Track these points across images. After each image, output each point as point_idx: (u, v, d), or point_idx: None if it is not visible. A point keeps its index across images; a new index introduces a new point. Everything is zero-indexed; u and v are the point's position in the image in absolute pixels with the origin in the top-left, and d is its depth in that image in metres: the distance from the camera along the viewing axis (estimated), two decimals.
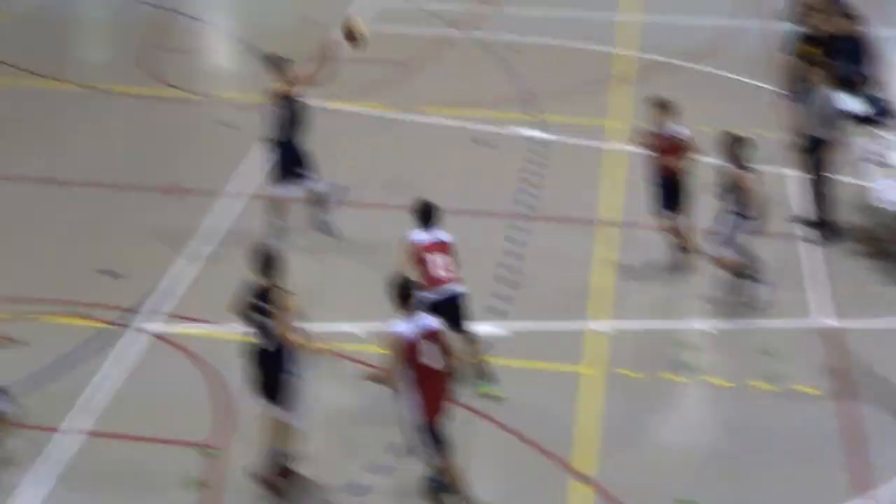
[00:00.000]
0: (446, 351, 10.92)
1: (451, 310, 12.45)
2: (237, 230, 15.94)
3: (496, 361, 13.28)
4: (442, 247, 12.74)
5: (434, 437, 10.99)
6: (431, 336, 10.84)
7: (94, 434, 12.28)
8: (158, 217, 16.40)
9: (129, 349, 13.59)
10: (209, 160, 18.11)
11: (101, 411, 12.60)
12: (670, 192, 14.85)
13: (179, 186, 17.13)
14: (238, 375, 12.52)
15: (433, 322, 10.92)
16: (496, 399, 12.89)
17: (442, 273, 12.58)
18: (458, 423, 12.28)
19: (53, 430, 12.26)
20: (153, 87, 20.53)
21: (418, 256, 12.63)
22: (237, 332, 13.38)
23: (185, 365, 13.40)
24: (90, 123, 19.39)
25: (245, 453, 11.86)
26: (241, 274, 14.79)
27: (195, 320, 14.10)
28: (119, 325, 13.98)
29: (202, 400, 12.81)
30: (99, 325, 13.99)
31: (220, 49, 23.54)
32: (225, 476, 11.68)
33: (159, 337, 13.84)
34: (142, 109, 19.87)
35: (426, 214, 12.84)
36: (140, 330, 13.94)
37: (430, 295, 12.34)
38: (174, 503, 11.38)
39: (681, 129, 14.68)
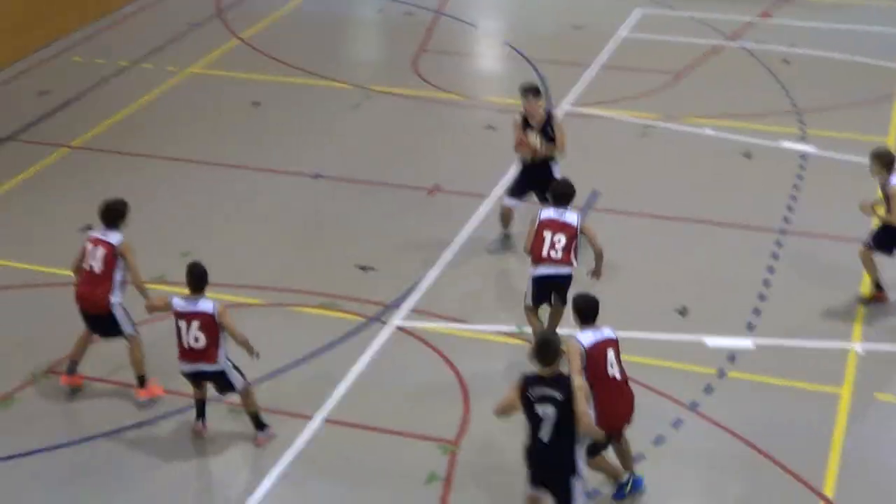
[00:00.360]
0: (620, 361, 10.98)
1: (552, 288, 13.12)
2: (493, 234, 16.04)
3: (744, 376, 13.07)
4: (563, 227, 13.02)
5: (602, 445, 10.99)
6: (611, 345, 10.87)
7: (340, 423, 12.57)
8: (420, 216, 16.61)
9: (378, 343, 13.83)
10: (473, 162, 18.20)
11: (347, 402, 12.89)
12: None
13: (442, 187, 17.32)
14: (478, 374, 12.70)
15: (611, 332, 10.96)
16: None
17: (552, 253, 12.98)
18: (697, 435, 12.18)
19: (303, 417, 12.62)
20: (422, 89, 20.80)
21: (538, 231, 13.07)
22: (482, 331, 13.57)
23: (429, 361, 13.56)
24: (360, 122, 19.78)
25: (480, 451, 12.00)
26: (492, 276, 14.96)
27: (444, 318, 14.24)
28: (370, 319, 14.25)
29: (444, 396, 12.96)
30: (351, 317, 14.29)
31: (487, 53, 23.65)
32: (458, 472, 11.78)
33: (407, 332, 14.03)
34: (410, 109, 20.16)
35: (561, 194, 13.24)
36: (390, 325, 14.17)
37: (537, 270, 13.10)
38: (417, 497, 11.54)
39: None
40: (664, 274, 15.01)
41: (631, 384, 11.05)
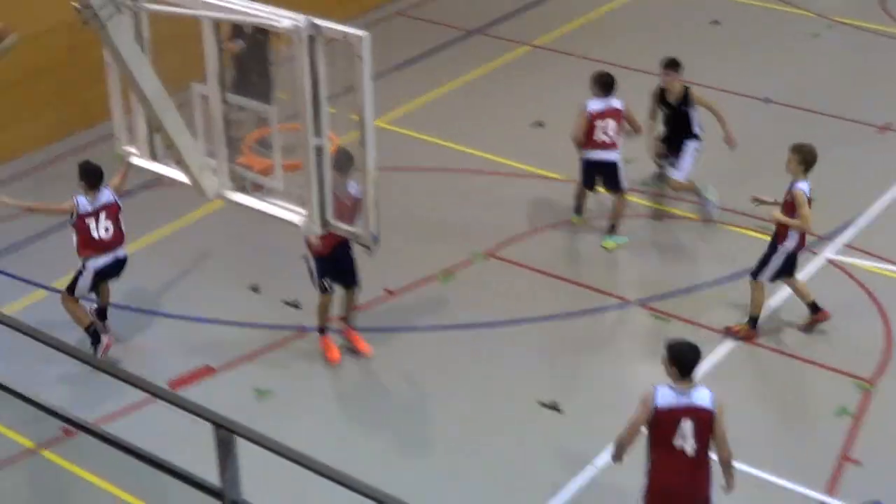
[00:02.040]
0: (705, 437, 9.08)
1: (605, 171, 14.11)
2: None
3: None
4: (614, 114, 13.99)
5: None
6: (696, 414, 9.04)
7: (756, 344, 12.67)
8: (867, 152, 16.17)
9: (807, 273, 13.64)
10: None
11: (767, 326, 12.86)
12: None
13: (894, 126, 16.81)
14: None
15: (705, 399, 9.09)
16: (613, 249, 14.15)
17: (605, 138, 13.96)
18: None
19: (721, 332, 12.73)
20: (886, 24, 20.06)
21: (589, 123, 13.93)
22: None
23: (855, 298, 13.40)
24: (817, 51, 19.34)
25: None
26: None
27: (877, 257, 13.98)
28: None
29: (866, 334, 12.81)
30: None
31: None
32: (870, 411, 11.65)
33: (838, 266, 13.90)
34: (870, 44, 19.50)
35: (604, 83, 14.03)
36: (821, 257, 14.05)
37: (590, 154, 14.09)
38: (824, 428, 11.53)
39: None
40: None
41: None
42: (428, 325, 12.97)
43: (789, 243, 12.40)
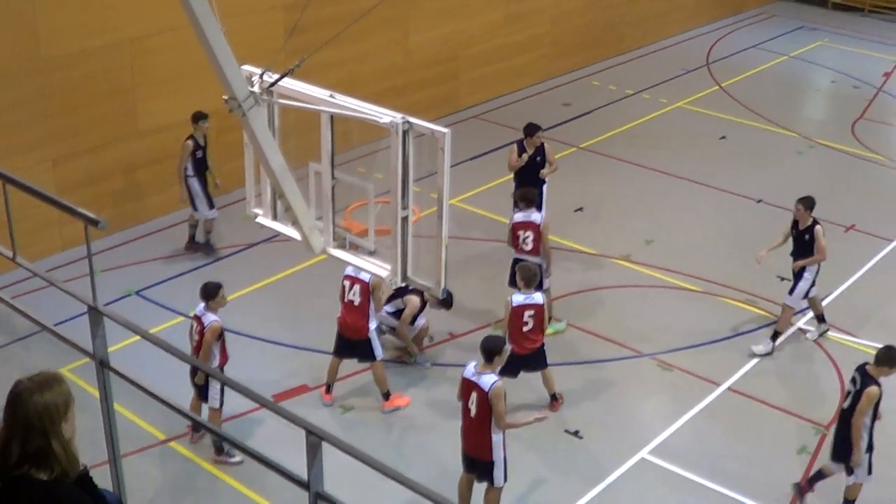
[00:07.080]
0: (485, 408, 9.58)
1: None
2: None
3: None
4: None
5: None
6: (473, 388, 9.58)
7: (740, 393, 12.48)
8: (837, 246, 15.37)
9: (782, 337, 13.43)
10: (886, 211, 17.21)
11: (749, 377, 12.72)
12: None
13: (857, 227, 16.56)
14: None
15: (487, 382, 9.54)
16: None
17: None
18: None
19: (713, 382, 12.64)
20: (856, 148, 19.81)
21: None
22: (867, 345, 12.99)
23: (821, 360, 13.21)
24: (802, 165, 19.10)
25: None
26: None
27: (836, 328, 13.75)
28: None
29: (825, 391, 12.57)
30: (765, 314, 14.04)
31: None
32: (824, 451, 11.22)
33: (805, 333, 13.66)
34: (843, 162, 19.28)
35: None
36: (794, 325, 13.78)
37: None
38: (788, 462, 11.32)
39: None
40: None
41: None
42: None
43: None
